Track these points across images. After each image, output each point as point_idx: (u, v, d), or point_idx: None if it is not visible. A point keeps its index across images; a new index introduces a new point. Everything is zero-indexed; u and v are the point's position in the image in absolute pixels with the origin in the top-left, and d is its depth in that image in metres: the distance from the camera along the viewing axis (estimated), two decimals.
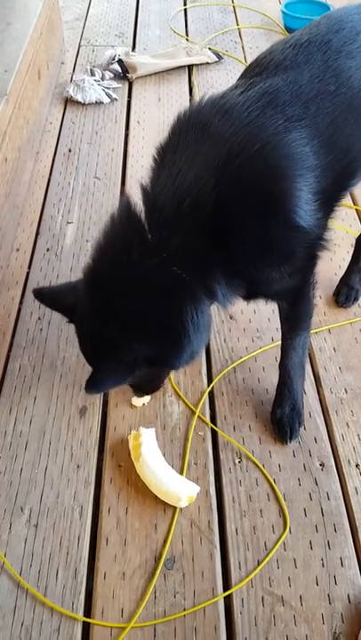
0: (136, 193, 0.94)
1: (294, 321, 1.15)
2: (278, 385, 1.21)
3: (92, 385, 0.93)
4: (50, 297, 1.08)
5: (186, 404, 1.24)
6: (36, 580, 0.99)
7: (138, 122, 2.02)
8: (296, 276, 1.01)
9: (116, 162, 1.86)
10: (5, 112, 2.04)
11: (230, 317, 1.40)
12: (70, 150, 1.91)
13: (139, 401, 1.23)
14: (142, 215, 0.91)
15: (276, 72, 0.96)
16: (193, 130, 0.93)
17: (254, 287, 0.99)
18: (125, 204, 0.93)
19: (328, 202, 0.98)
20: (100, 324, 0.93)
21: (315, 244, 0.98)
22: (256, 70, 0.99)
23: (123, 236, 0.92)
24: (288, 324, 1.17)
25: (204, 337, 0.98)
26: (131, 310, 0.91)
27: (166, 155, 0.95)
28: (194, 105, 0.97)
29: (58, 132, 1.98)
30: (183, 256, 0.89)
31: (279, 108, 0.92)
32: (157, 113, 2.05)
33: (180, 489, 1.06)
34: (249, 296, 1.03)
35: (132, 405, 1.23)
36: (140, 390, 1.18)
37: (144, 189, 0.94)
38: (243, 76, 1.04)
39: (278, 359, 1.22)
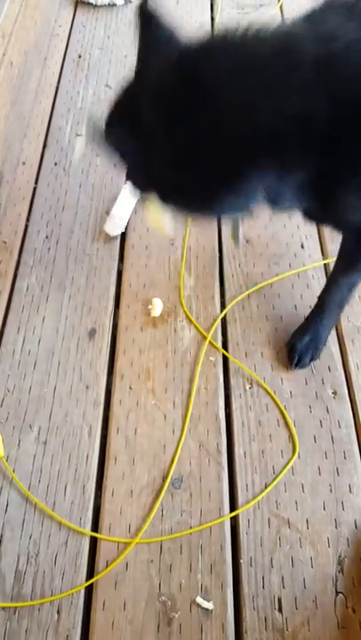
0: None
1: (354, 259, 1.04)
2: (310, 313, 1.16)
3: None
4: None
5: (198, 330, 1.20)
6: (45, 495, 1.01)
7: None
8: None
9: (128, 69, 1.73)
10: (11, 10, 1.90)
11: (246, 241, 1.34)
12: (80, 56, 1.78)
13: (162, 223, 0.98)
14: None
15: None
16: None
17: (330, 208, 0.82)
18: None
19: None
20: None
21: None
22: None
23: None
24: (345, 261, 1.05)
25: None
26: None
27: None
28: None
29: (67, 37, 1.83)
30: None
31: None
32: (175, 16, 1.88)
33: None
34: (319, 217, 0.88)
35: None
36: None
37: None
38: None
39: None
